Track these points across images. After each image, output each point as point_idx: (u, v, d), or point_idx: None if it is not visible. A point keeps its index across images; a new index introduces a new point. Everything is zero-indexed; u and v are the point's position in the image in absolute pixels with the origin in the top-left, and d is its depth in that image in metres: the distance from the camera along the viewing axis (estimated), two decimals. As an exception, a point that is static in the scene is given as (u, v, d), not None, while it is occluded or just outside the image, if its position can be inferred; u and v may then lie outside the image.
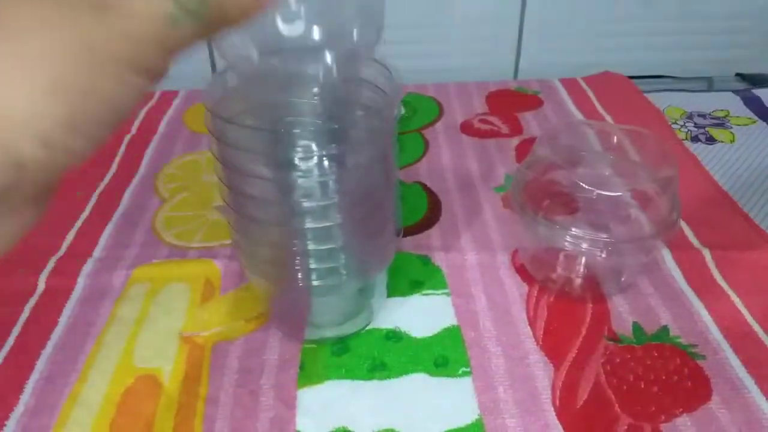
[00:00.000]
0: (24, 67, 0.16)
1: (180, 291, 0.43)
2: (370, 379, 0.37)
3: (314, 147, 0.31)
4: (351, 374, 0.37)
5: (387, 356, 0.38)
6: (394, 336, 0.39)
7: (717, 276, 0.43)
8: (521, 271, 0.44)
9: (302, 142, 0.31)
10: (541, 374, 0.37)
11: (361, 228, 0.35)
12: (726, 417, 0.34)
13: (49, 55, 0.17)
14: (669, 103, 0.68)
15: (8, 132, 0.16)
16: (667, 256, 0.45)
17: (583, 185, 0.38)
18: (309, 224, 0.33)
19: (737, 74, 0.76)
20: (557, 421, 0.34)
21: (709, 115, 0.66)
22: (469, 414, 0.34)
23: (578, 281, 0.42)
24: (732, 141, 0.61)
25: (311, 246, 0.34)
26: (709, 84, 0.74)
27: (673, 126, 0.63)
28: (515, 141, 0.60)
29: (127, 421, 0.34)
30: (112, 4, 0.18)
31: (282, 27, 0.29)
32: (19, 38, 0.17)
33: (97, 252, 0.46)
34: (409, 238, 0.47)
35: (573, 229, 0.38)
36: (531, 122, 0.63)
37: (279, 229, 0.34)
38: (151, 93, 0.69)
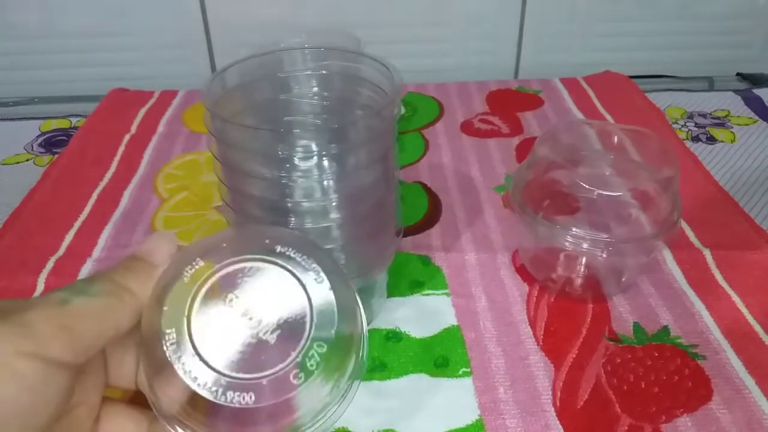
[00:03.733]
0: None
1: (179, 291, 0.43)
2: (370, 379, 0.36)
3: (314, 147, 0.31)
4: (351, 374, 0.37)
5: (387, 356, 0.38)
6: (395, 336, 0.39)
7: (718, 276, 0.43)
8: (521, 271, 0.44)
9: (302, 142, 0.31)
10: (542, 374, 0.36)
11: (362, 228, 0.35)
12: (726, 417, 0.34)
13: None
14: (670, 102, 0.68)
15: None
16: (667, 257, 0.45)
17: (584, 185, 0.38)
18: (309, 224, 0.33)
19: (738, 74, 0.76)
20: (558, 422, 0.34)
21: (710, 114, 0.65)
22: (470, 414, 0.34)
23: (579, 281, 0.42)
24: (733, 141, 0.60)
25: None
26: (709, 84, 0.74)
27: (674, 126, 0.63)
28: (515, 141, 0.60)
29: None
30: (14, 311, 0.20)
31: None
32: None
33: (97, 252, 0.46)
34: (409, 238, 0.47)
35: (573, 229, 0.38)
36: (531, 122, 0.63)
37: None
38: (150, 93, 0.69)
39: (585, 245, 0.38)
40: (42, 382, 0.20)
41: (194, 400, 0.23)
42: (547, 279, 0.42)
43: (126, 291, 0.24)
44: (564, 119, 0.63)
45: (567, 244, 0.38)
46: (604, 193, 0.38)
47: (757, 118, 0.65)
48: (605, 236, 0.37)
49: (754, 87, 0.72)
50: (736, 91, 0.70)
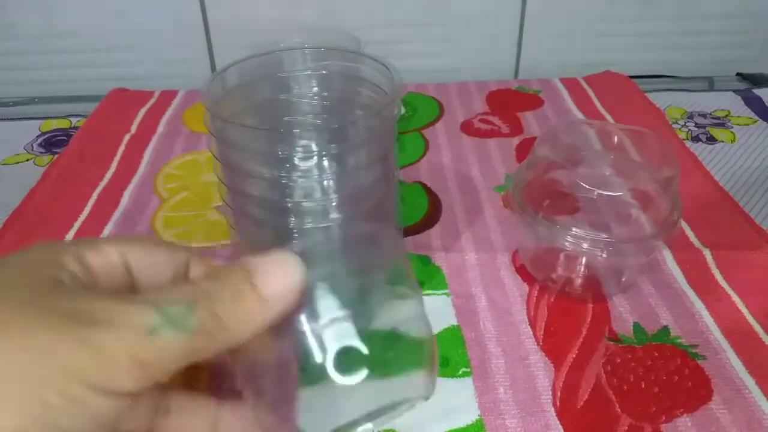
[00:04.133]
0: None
1: (180, 291, 0.43)
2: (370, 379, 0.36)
3: (314, 147, 0.31)
4: (351, 374, 0.37)
5: (387, 356, 0.38)
6: (395, 336, 0.39)
7: (718, 276, 0.43)
8: (521, 271, 0.44)
9: (302, 142, 0.31)
10: (542, 374, 0.36)
11: (361, 227, 0.35)
12: (726, 417, 0.34)
13: (14, 379, 0.16)
14: (670, 102, 0.68)
15: None
16: (667, 257, 0.45)
17: (584, 185, 0.38)
18: (309, 224, 0.33)
19: (738, 74, 0.76)
20: (558, 422, 0.34)
21: (710, 114, 0.65)
22: (470, 414, 0.34)
23: (579, 281, 0.42)
24: (733, 141, 0.60)
25: (311, 246, 0.34)
26: (709, 84, 0.74)
27: (674, 126, 0.63)
28: (515, 141, 0.60)
29: (126, 421, 0.34)
30: (89, 317, 0.17)
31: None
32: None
33: (97, 252, 0.46)
34: (409, 238, 0.47)
35: (573, 229, 0.38)
36: (531, 122, 0.63)
37: (279, 229, 0.34)
38: (150, 93, 0.69)
39: (585, 245, 0.38)
40: (105, 413, 0.18)
41: None
42: (547, 279, 0.42)
43: (225, 331, 0.19)
44: (564, 119, 0.63)
45: (567, 244, 0.38)
46: (604, 193, 0.38)
47: (757, 118, 0.65)
48: (605, 236, 0.37)
49: (754, 87, 0.72)
50: (736, 91, 0.70)
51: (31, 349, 0.16)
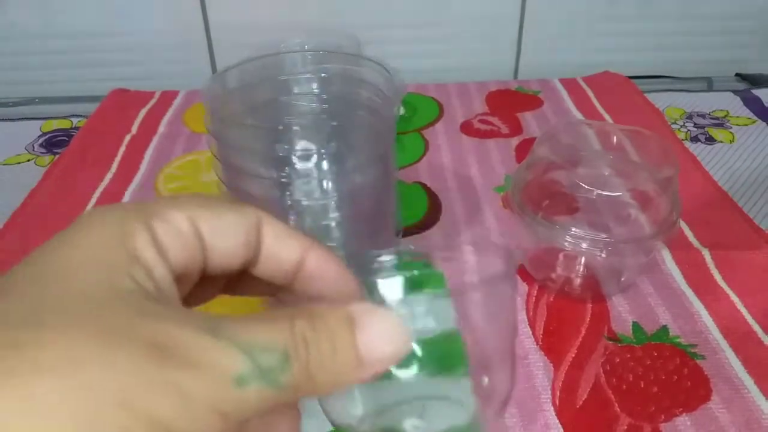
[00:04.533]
0: (51, 411, 0.14)
1: (180, 291, 0.43)
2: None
3: (314, 147, 0.31)
4: (351, 374, 0.37)
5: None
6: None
7: (717, 276, 0.43)
8: (521, 271, 0.44)
9: (302, 142, 0.31)
10: (541, 374, 0.37)
11: (361, 227, 0.35)
12: (725, 417, 0.34)
13: (71, 403, 0.14)
14: (669, 103, 0.68)
15: None
16: (666, 257, 0.45)
17: (583, 185, 0.38)
18: (308, 223, 0.33)
19: (737, 74, 0.76)
20: (557, 421, 0.34)
21: (709, 115, 0.66)
22: (470, 414, 0.34)
23: (578, 281, 0.42)
24: (732, 141, 0.61)
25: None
26: (708, 84, 0.74)
27: (673, 126, 0.63)
28: (515, 141, 0.60)
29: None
30: (174, 353, 0.15)
31: None
32: (54, 376, 0.14)
33: (98, 252, 0.46)
34: (409, 238, 0.47)
35: (573, 229, 0.38)
36: (531, 122, 0.63)
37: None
38: (151, 93, 0.69)
39: (584, 245, 0.38)
40: None
41: None
42: (546, 279, 0.42)
43: (313, 387, 0.17)
44: (563, 119, 0.64)
45: (566, 244, 0.38)
46: (604, 193, 0.38)
47: (756, 118, 0.65)
48: (604, 236, 0.37)
49: (753, 87, 0.72)
50: (735, 92, 0.70)
51: (111, 390, 0.14)
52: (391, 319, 0.19)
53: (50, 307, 0.15)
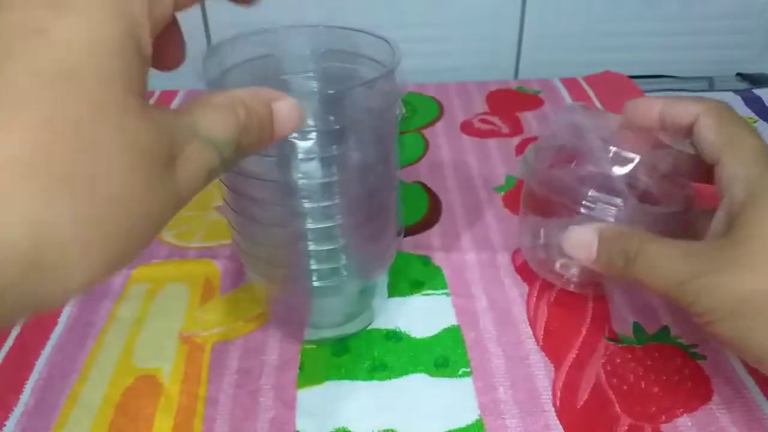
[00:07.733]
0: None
1: (179, 291, 0.43)
2: (370, 379, 0.36)
3: (316, 147, 0.31)
4: (351, 375, 0.37)
5: (387, 356, 0.38)
6: (395, 336, 0.39)
7: (718, 276, 0.43)
8: (521, 271, 0.44)
9: (303, 143, 0.31)
10: (542, 374, 0.36)
11: (363, 230, 0.35)
12: (726, 417, 0.34)
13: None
14: (669, 102, 0.68)
15: None
16: (667, 256, 0.45)
17: (583, 185, 0.38)
18: (310, 225, 0.33)
19: (738, 74, 0.76)
20: (558, 422, 0.34)
21: (710, 114, 0.65)
22: (470, 414, 0.34)
23: (579, 281, 0.42)
24: (732, 141, 0.60)
25: (312, 247, 0.34)
26: (709, 84, 0.74)
27: (674, 126, 0.63)
28: (516, 141, 0.60)
29: (126, 421, 0.34)
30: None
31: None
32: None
33: (97, 252, 0.46)
34: (409, 238, 0.47)
35: (590, 192, 0.37)
36: (531, 122, 0.63)
37: (279, 230, 0.34)
38: (150, 93, 0.69)
39: (598, 209, 0.37)
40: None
41: None
42: (549, 274, 0.42)
43: (240, 151, 0.23)
44: (561, 107, 0.63)
45: (582, 209, 0.37)
46: (605, 193, 0.38)
47: (757, 118, 0.65)
48: (619, 200, 0.37)
49: (754, 87, 0.72)
50: (736, 92, 0.70)
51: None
52: (296, 106, 0.25)
53: None
